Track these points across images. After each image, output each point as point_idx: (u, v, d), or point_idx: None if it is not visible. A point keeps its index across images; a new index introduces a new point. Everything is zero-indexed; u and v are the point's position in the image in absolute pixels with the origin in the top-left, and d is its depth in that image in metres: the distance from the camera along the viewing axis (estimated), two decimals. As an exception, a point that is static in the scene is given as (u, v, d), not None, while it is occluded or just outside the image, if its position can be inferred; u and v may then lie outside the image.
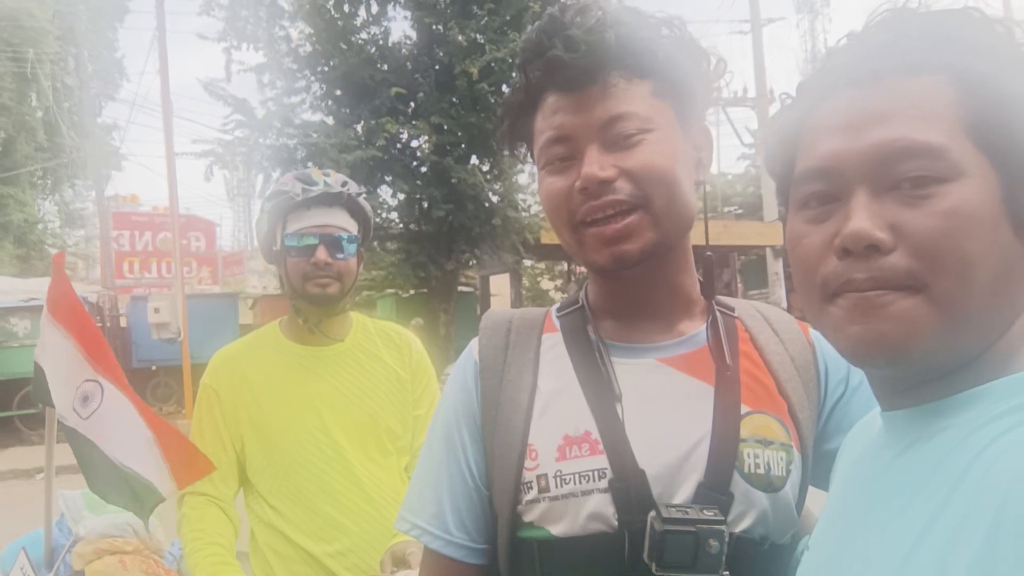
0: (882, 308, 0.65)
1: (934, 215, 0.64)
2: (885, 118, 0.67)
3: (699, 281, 1.10)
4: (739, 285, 12.13)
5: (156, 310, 13.05)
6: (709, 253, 1.07)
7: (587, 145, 0.98)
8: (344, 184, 1.95)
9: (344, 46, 12.87)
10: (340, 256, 1.92)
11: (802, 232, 0.72)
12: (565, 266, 22.03)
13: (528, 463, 1.00)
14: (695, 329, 1.06)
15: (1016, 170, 0.65)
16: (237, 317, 15.05)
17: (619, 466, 0.95)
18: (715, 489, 0.95)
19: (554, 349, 1.08)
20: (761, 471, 0.97)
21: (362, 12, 13.18)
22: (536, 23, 1.02)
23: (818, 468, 1.03)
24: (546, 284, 24.90)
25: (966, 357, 0.67)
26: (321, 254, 1.90)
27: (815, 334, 1.10)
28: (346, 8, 12.92)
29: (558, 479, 0.97)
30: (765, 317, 1.12)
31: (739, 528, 0.95)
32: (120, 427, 1.91)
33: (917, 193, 0.65)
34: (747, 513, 0.96)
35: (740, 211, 24.53)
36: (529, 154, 1.10)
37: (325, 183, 1.92)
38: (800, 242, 0.72)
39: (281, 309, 2.07)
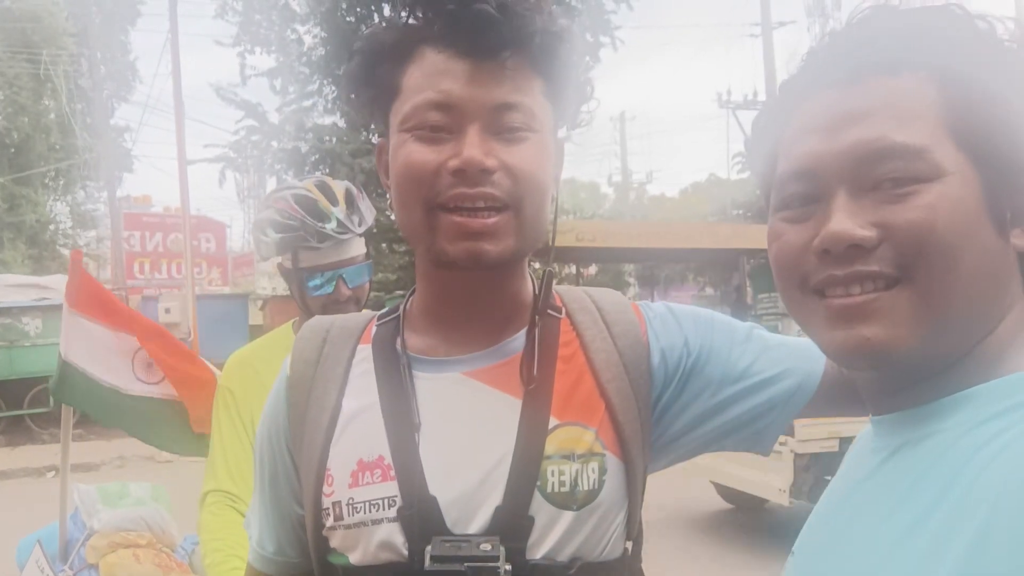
0: (866, 309, 0.64)
1: (917, 208, 0.63)
2: (863, 118, 0.66)
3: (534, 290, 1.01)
4: (748, 289, 12.17)
5: (167, 310, 13.17)
6: (550, 268, 0.99)
7: (470, 124, 0.88)
8: (351, 214, 1.93)
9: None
10: (358, 283, 1.95)
11: (780, 230, 0.71)
12: (574, 269, 21.99)
13: (326, 488, 0.93)
14: (510, 337, 0.98)
15: (997, 170, 0.64)
16: (247, 318, 15.12)
17: (408, 493, 0.89)
18: (513, 513, 0.88)
19: (363, 363, 0.99)
20: (566, 488, 0.90)
21: (374, 15, 13.23)
22: None
23: (691, 442, 1.00)
24: (556, 287, 24.78)
25: (950, 357, 0.66)
26: (343, 290, 1.91)
27: (645, 312, 1.02)
28: (358, 10, 12.97)
29: (350, 507, 0.91)
30: (599, 308, 1.03)
31: (541, 553, 0.88)
32: None
33: (898, 192, 0.64)
34: (548, 536, 0.89)
35: (749, 214, 24.47)
36: (374, 108, 0.97)
37: (338, 221, 1.88)
38: (778, 239, 0.71)
39: (291, 311, 2.10)
